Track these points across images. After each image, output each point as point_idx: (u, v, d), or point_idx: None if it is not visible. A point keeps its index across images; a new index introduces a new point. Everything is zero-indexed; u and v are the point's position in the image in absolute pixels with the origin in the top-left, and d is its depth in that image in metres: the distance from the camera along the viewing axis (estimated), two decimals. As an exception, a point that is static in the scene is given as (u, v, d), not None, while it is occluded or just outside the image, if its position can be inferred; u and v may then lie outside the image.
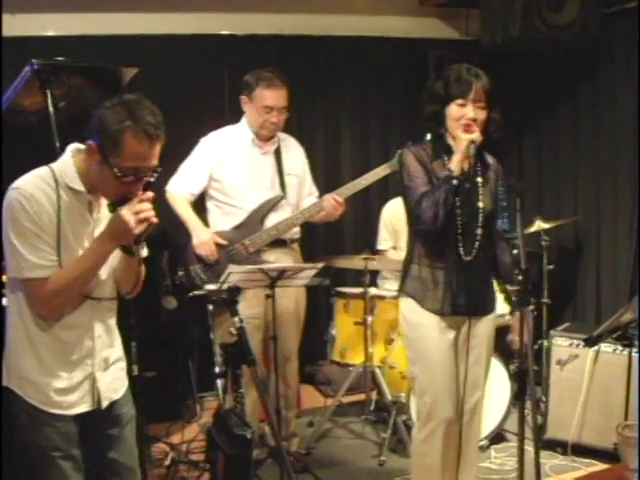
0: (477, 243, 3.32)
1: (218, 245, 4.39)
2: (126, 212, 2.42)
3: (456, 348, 3.39)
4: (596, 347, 4.29)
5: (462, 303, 3.33)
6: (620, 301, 5.14)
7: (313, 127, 6.00)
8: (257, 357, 4.06)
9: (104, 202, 2.58)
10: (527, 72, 5.91)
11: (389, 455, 4.55)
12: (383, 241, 5.40)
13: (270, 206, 4.46)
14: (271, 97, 4.39)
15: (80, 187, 2.51)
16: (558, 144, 5.88)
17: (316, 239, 5.80)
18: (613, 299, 5.39)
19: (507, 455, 4.51)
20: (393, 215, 5.24)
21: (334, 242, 6.05)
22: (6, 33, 4.78)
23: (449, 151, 3.30)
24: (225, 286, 3.68)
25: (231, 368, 3.51)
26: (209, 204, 4.54)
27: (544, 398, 4.66)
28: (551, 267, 5.16)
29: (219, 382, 4.07)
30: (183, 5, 5.49)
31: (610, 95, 5.36)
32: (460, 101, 3.22)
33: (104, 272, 2.61)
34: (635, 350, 4.13)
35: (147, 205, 2.46)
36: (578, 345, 4.44)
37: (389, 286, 5.16)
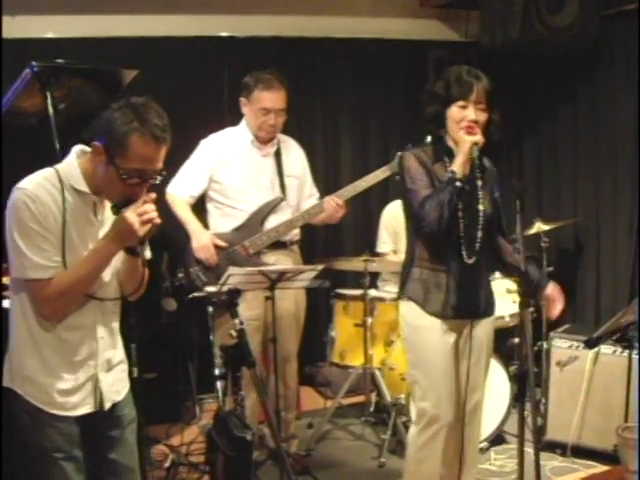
0: (478, 245, 3.32)
1: (218, 247, 4.39)
2: (130, 214, 2.43)
3: (456, 350, 3.38)
4: (596, 349, 4.29)
5: (463, 305, 3.33)
6: (620, 303, 5.14)
7: (313, 129, 6.00)
8: (257, 359, 4.06)
9: (108, 204, 2.59)
10: (527, 73, 5.91)
11: (389, 457, 4.56)
12: (383, 244, 5.39)
13: (270, 208, 4.46)
14: (269, 99, 4.39)
15: (85, 188, 2.51)
16: (558, 145, 5.87)
17: (316, 241, 5.80)
18: (613, 301, 5.39)
19: (507, 457, 4.51)
20: (393, 217, 5.24)
21: (334, 244, 6.05)
22: (6, 35, 4.78)
23: (450, 153, 3.30)
24: (225, 288, 3.68)
25: (231, 370, 3.52)
26: (209, 206, 4.54)
27: (544, 400, 4.65)
28: (551, 269, 5.16)
29: (219, 384, 4.07)
30: (182, 7, 5.49)
31: (609, 96, 5.36)
32: (461, 103, 3.21)
33: (108, 273, 2.62)
34: (635, 352, 4.12)
35: (151, 207, 2.47)
36: (578, 347, 4.44)
37: (389, 288, 5.16)
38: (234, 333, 3.32)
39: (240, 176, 4.44)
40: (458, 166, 3.18)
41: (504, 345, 5.09)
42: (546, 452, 4.44)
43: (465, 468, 3.48)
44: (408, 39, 6.09)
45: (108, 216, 2.59)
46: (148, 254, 2.68)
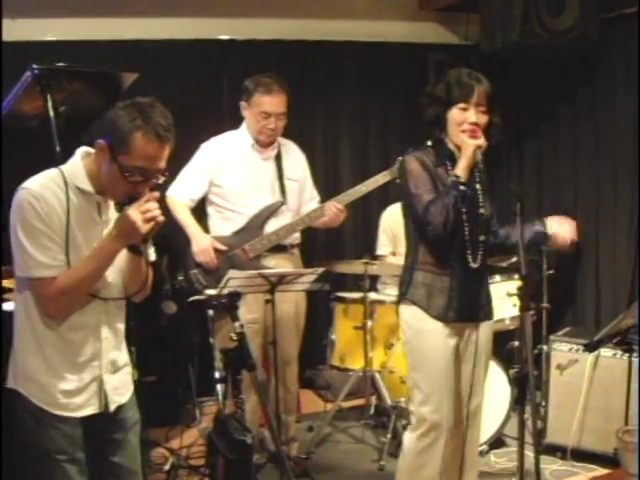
0: (482, 249, 3.33)
1: (218, 250, 4.40)
2: (133, 211, 2.44)
3: (458, 354, 3.38)
4: (596, 352, 4.29)
5: (467, 309, 3.34)
6: (619, 306, 5.14)
7: (313, 132, 5.99)
8: (257, 362, 4.05)
9: (112, 204, 2.61)
10: (527, 77, 5.91)
11: (389, 459, 4.54)
12: (382, 247, 5.39)
13: (270, 211, 4.46)
14: (269, 103, 4.39)
15: (89, 188, 2.53)
16: (558, 148, 5.87)
17: (316, 244, 5.79)
18: (613, 304, 5.39)
19: (507, 460, 4.50)
20: (392, 220, 5.24)
21: (334, 247, 6.04)
22: (6, 38, 4.78)
23: (451, 157, 3.30)
24: (225, 291, 3.68)
25: (231, 373, 3.52)
26: (210, 209, 4.54)
27: (544, 403, 4.65)
28: (551, 272, 5.16)
29: (219, 387, 4.07)
30: (183, 10, 5.49)
31: (609, 99, 5.36)
32: (462, 105, 3.21)
33: (111, 273, 2.62)
34: (635, 355, 4.13)
35: (154, 205, 2.48)
36: (578, 350, 4.44)
37: (389, 291, 5.15)
38: (234, 336, 3.32)
39: (240, 180, 4.45)
40: (462, 170, 3.18)
41: (504, 348, 5.08)
42: (546, 455, 4.44)
43: (465, 472, 3.48)
44: (408, 42, 6.09)
45: (112, 216, 2.60)
46: (152, 256, 2.69)
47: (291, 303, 4.51)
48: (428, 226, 3.20)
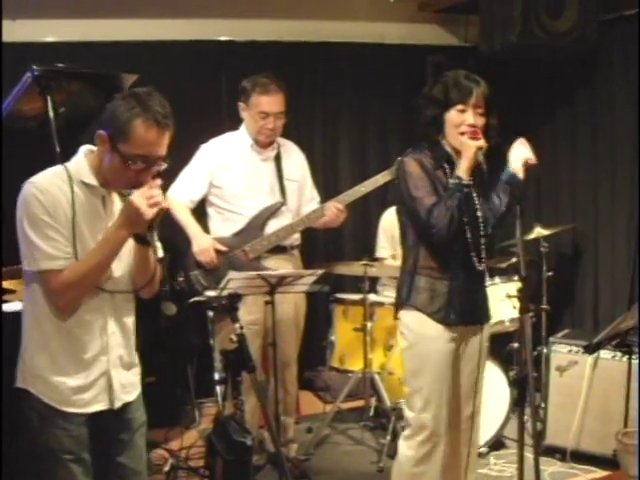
0: (484, 252, 3.31)
1: (218, 251, 4.40)
2: (137, 197, 2.47)
3: (458, 358, 3.36)
4: (595, 354, 4.29)
5: (469, 312, 3.33)
6: (619, 308, 5.14)
7: (312, 133, 6.00)
8: (256, 363, 4.05)
9: (117, 199, 2.65)
10: (525, 78, 5.92)
11: (388, 461, 4.51)
12: (382, 249, 5.39)
13: (270, 212, 4.46)
14: (267, 103, 4.39)
15: (93, 182, 2.56)
16: (556, 150, 5.88)
17: (315, 245, 5.80)
18: (612, 306, 5.40)
19: (506, 461, 4.50)
20: (392, 222, 5.20)
21: (333, 248, 6.05)
22: (6, 39, 4.78)
23: (449, 159, 3.28)
24: (225, 292, 3.68)
25: (231, 374, 3.52)
26: (209, 210, 4.54)
27: (543, 404, 4.65)
28: (550, 274, 5.16)
29: (219, 388, 4.07)
30: (182, 11, 5.49)
31: (608, 101, 5.37)
32: (460, 107, 3.20)
33: (118, 268, 2.64)
34: (634, 357, 4.13)
35: (157, 191, 2.51)
36: (577, 352, 4.44)
37: (388, 293, 5.15)
38: (234, 337, 3.32)
39: (240, 180, 4.45)
40: (463, 171, 3.15)
41: (504, 350, 5.09)
42: (545, 457, 4.43)
43: (464, 475, 3.47)
44: (407, 44, 6.09)
45: (117, 211, 2.62)
46: (160, 251, 2.69)
47: (291, 304, 4.51)
48: (432, 229, 3.16)
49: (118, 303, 2.67)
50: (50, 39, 5.15)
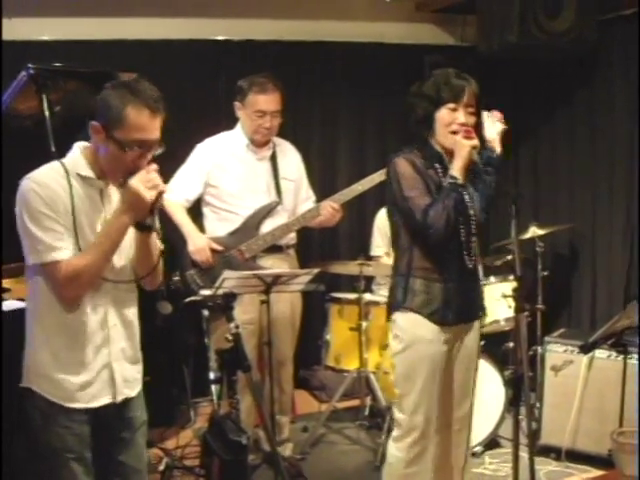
0: (473, 250, 3.31)
1: (214, 251, 4.39)
2: (135, 181, 2.50)
3: (450, 358, 3.35)
4: (591, 353, 4.29)
5: (465, 310, 3.32)
6: (615, 307, 5.15)
7: (310, 132, 6.00)
8: (252, 362, 4.05)
9: (114, 192, 2.66)
10: (524, 78, 5.92)
11: (383, 460, 4.55)
12: (377, 247, 5.39)
13: (266, 212, 4.46)
14: (264, 101, 4.40)
15: (90, 174, 2.58)
16: (554, 150, 5.88)
17: (311, 245, 5.80)
18: (608, 305, 5.40)
19: (501, 461, 4.50)
20: (387, 221, 5.22)
21: (329, 248, 6.05)
22: (3, 37, 4.77)
23: (439, 158, 3.26)
24: (221, 292, 3.67)
25: (226, 374, 3.51)
26: (205, 210, 4.54)
27: (538, 404, 4.65)
28: (546, 273, 5.16)
29: (214, 388, 4.06)
30: (180, 10, 5.49)
31: (607, 101, 5.37)
32: (452, 105, 3.18)
33: (120, 259, 2.66)
34: (633, 357, 4.13)
35: (154, 174, 2.54)
36: (573, 351, 4.44)
37: (384, 292, 5.11)
38: (230, 337, 3.32)
39: (236, 180, 4.45)
40: (458, 170, 3.14)
41: (499, 350, 5.10)
42: (541, 456, 4.44)
43: (457, 475, 3.47)
44: (405, 43, 6.10)
45: (115, 204, 2.64)
46: (159, 244, 2.71)
47: (287, 304, 4.52)
48: (429, 230, 3.12)
49: (119, 295, 2.68)
50: (47, 38, 5.14)
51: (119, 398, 2.68)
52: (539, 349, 4.84)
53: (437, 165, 3.26)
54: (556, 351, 4.54)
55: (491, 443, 4.65)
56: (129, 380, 2.73)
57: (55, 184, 2.51)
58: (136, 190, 2.49)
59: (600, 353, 4.33)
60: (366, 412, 5.18)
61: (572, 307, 5.79)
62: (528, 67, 5.73)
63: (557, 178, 5.88)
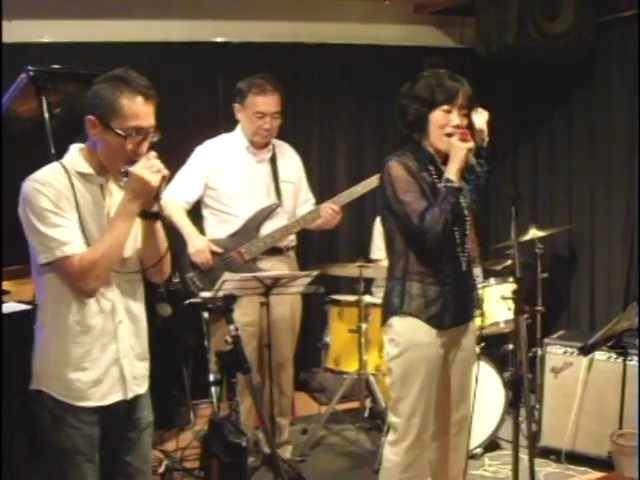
0: (466, 251, 3.30)
1: (214, 253, 4.39)
2: (138, 167, 2.54)
3: (447, 361, 3.34)
4: (590, 355, 4.29)
5: (461, 312, 3.32)
6: (614, 309, 5.15)
7: (308, 134, 5.99)
8: (252, 364, 4.05)
9: (115, 188, 2.69)
10: (522, 80, 5.93)
11: (383, 463, 4.55)
12: (377, 250, 5.37)
13: (266, 214, 4.46)
14: (263, 103, 4.40)
15: (90, 170, 2.61)
16: (553, 152, 5.88)
17: (311, 247, 5.80)
18: (607, 307, 5.40)
19: (501, 463, 4.50)
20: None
21: (329, 250, 6.04)
22: (2, 39, 4.77)
23: (432, 160, 3.24)
24: (220, 294, 3.67)
25: (226, 376, 3.51)
26: (205, 212, 4.54)
27: (538, 406, 4.65)
28: (545, 275, 5.16)
29: (214, 390, 4.06)
30: (178, 12, 5.49)
31: (605, 103, 5.37)
32: (446, 107, 3.15)
33: (126, 251, 2.67)
34: (633, 359, 4.13)
35: (156, 160, 2.58)
36: (572, 353, 4.44)
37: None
38: (229, 339, 3.32)
39: (235, 182, 4.45)
40: (454, 173, 3.11)
41: (498, 352, 5.10)
42: (540, 458, 4.43)
43: (455, 478, 3.46)
44: (403, 45, 6.09)
45: (116, 200, 2.66)
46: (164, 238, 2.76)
47: (287, 306, 4.52)
48: (426, 234, 3.09)
49: (126, 289, 2.70)
50: (46, 40, 5.14)
51: (130, 395, 2.70)
52: (539, 351, 4.84)
53: (430, 167, 3.24)
54: (556, 353, 4.54)
55: (491, 445, 4.65)
56: (137, 377, 2.75)
57: (58, 184, 2.53)
58: (141, 176, 2.52)
59: (600, 355, 4.33)
60: (366, 414, 5.17)
61: (571, 309, 5.78)
62: (527, 69, 5.73)
63: (556, 179, 5.88)
